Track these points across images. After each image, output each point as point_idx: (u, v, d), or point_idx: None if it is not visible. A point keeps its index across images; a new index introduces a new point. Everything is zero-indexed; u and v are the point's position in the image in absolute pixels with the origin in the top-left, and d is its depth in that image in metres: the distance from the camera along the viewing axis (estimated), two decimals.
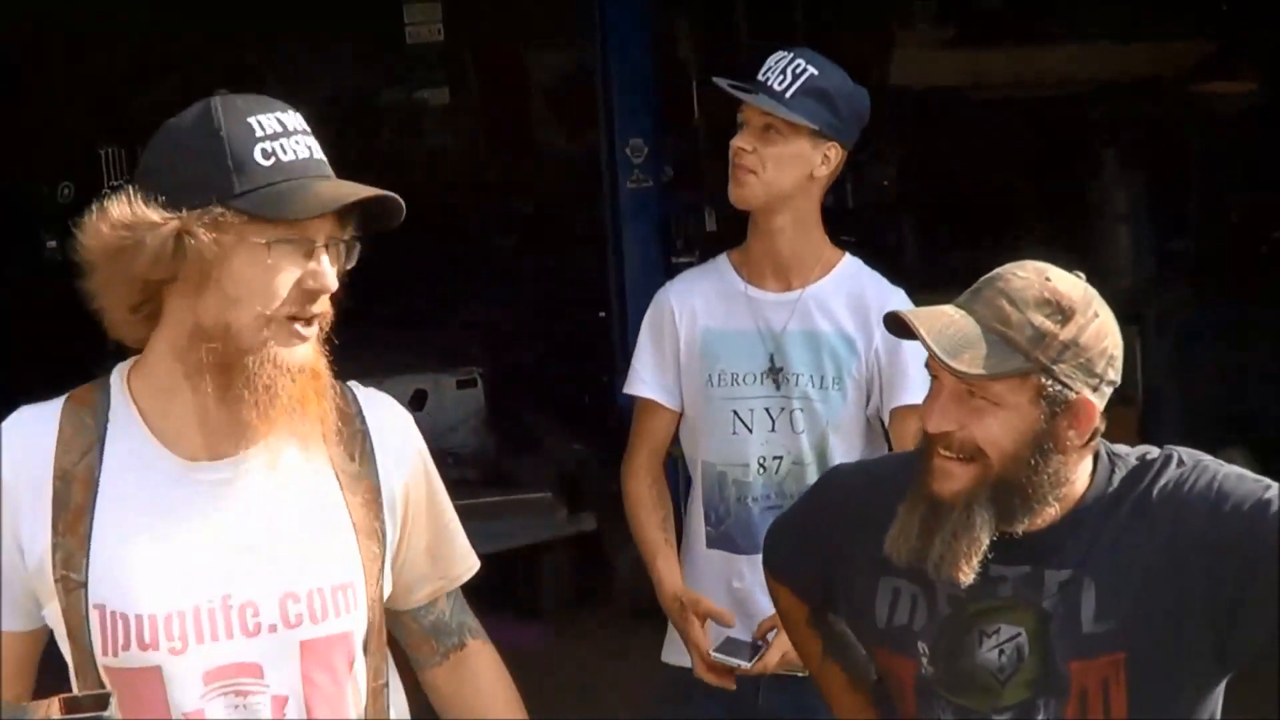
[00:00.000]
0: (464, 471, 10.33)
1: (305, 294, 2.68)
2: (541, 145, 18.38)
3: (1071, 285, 3.10)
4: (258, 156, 2.60)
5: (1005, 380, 2.98)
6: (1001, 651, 3.07)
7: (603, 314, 11.51)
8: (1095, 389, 3.04)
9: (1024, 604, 3.08)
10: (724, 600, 4.51)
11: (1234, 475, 3.09)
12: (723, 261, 4.60)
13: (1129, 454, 3.17)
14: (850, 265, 4.54)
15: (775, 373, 4.36)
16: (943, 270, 13.46)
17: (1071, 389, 2.99)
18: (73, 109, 16.30)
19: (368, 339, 11.22)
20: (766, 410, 4.39)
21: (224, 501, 2.69)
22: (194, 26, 17.00)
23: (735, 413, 4.41)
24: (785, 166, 4.35)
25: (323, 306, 2.74)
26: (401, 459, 3.03)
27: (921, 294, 11.45)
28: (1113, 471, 3.12)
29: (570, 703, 8.34)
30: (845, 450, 4.40)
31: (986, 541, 3.00)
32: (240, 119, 2.61)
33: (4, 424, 2.62)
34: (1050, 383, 2.98)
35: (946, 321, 3.01)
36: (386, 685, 3.01)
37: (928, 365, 3.05)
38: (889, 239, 14.29)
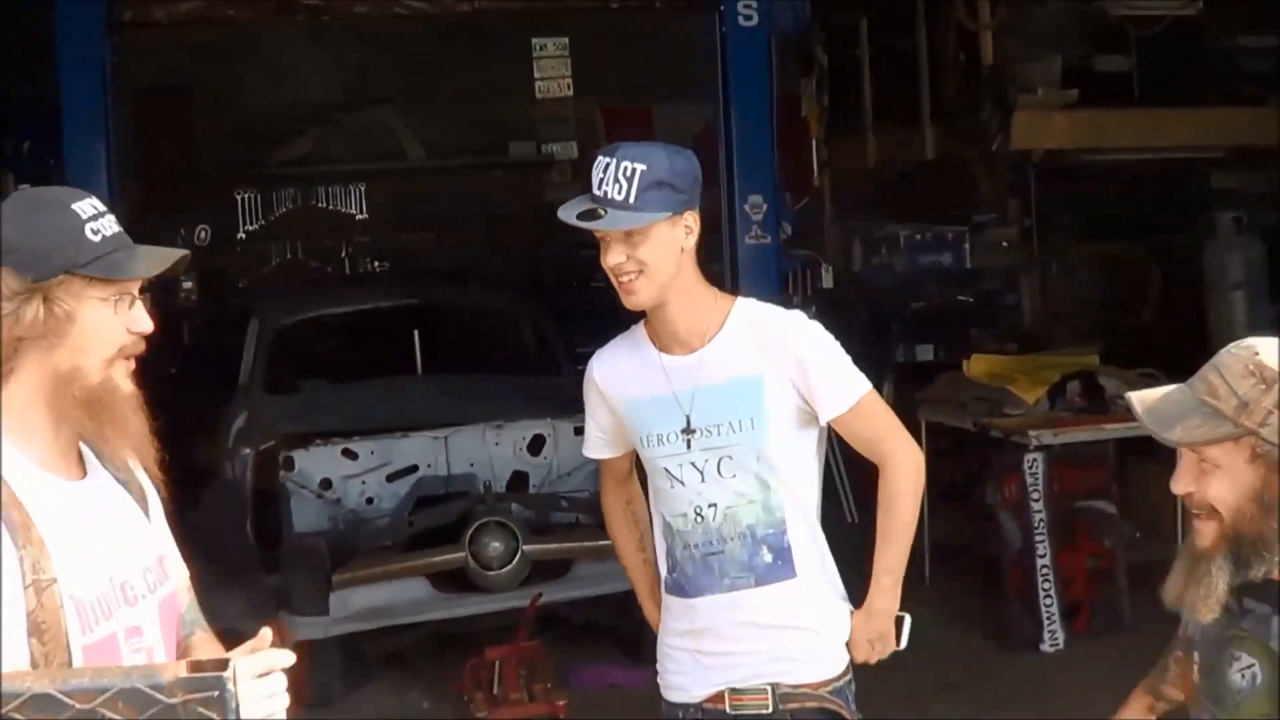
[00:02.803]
0: (578, 515, 10.51)
1: (133, 336, 3.21)
2: None
3: (1276, 355, 3.37)
4: (89, 234, 3.14)
5: (1220, 445, 3.34)
6: (1243, 676, 3.45)
7: None
8: None
9: (1256, 640, 3.44)
10: (682, 641, 4.74)
11: None
12: (639, 332, 4.75)
13: None
14: (742, 308, 4.67)
15: (691, 431, 4.55)
16: (1060, 329, 13.58)
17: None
18: (211, 155, 16.70)
19: (485, 385, 11.50)
20: (693, 464, 4.57)
21: (96, 506, 3.21)
22: (329, 80, 17.42)
23: (667, 469, 4.60)
24: (661, 257, 4.45)
25: (140, 346, 3.24)
26: None
27: (1038, 354, 11.51)
28: None
29: None
30: (788, 480, 4.59)
31: (1223, 587, 3.40)
32: (64, 206, 3.17)
33: None
34: (1260, 444, 3.30)
35: (1164, 398, 3.42)
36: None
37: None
38: (1008, 299, 14.39)
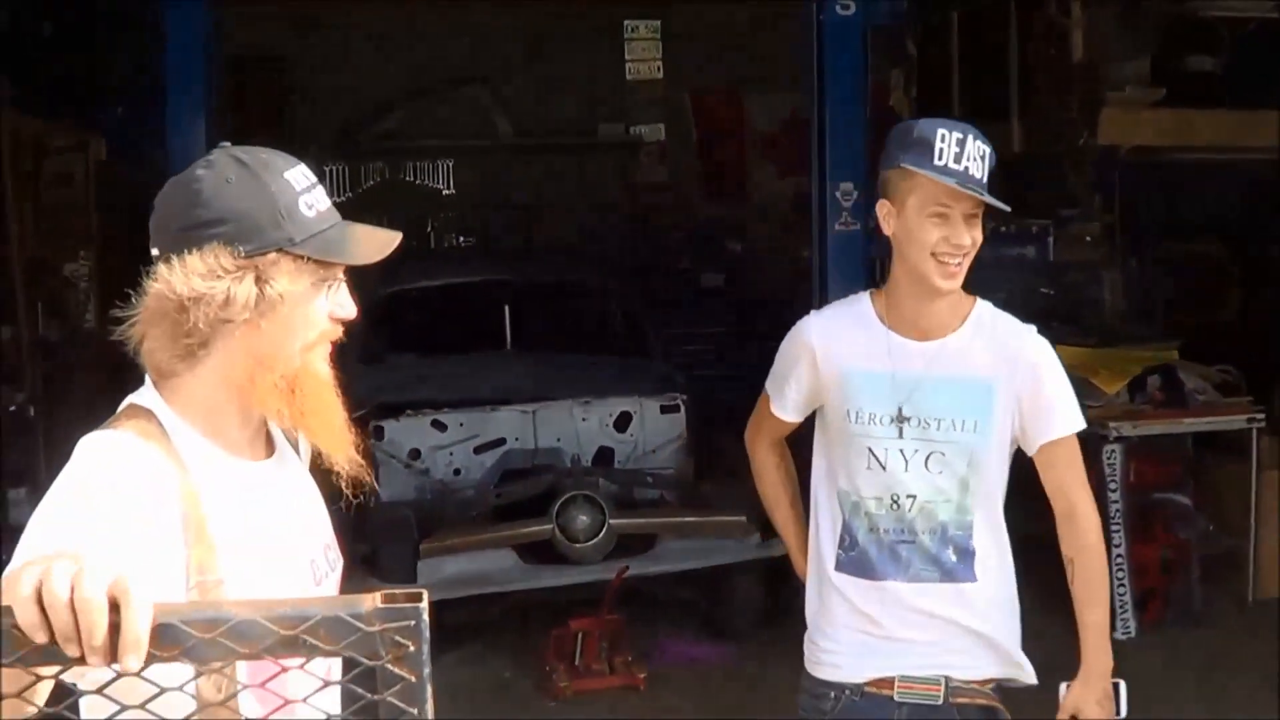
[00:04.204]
0: (662, 491, 10.67)
1: (335, 322, 2.98)
2: (754, 185, 18.71)
3: None
4: (303, 208, 2.88)
5: None
6: None
7: None
8: None
9: None
10: (851, 620, 4.64)
11: None
12: (865, 304, 4.60)
13: None
14: (983, 310, 4.57)
15: (904, 420, 4.48)
16: (1141, 324, 13.63)
17: None
18: (303, 127, 16.90)
19: (574, 362, 11.64)
20: (901, 451, 4.49)
21: (284, 485, 3.07)
22: (421, 56, 17.60)
23: (870, 450, 4.51)
24: (979, 243, 4.40)
25: (340, 331, 3.02)
26: None
27: (1120, 347, 11.61)
28: None
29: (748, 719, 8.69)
30: (984, 487, 4.53)
31: None
32: (279, 174, 2.89)
33: (107, 445, 2.81)
34: None
35: None
36: None
37: None
38: (1090, 293, 14.42)
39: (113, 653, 1.92)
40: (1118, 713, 4.57)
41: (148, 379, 2.95)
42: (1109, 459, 10.14)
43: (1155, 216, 14.21)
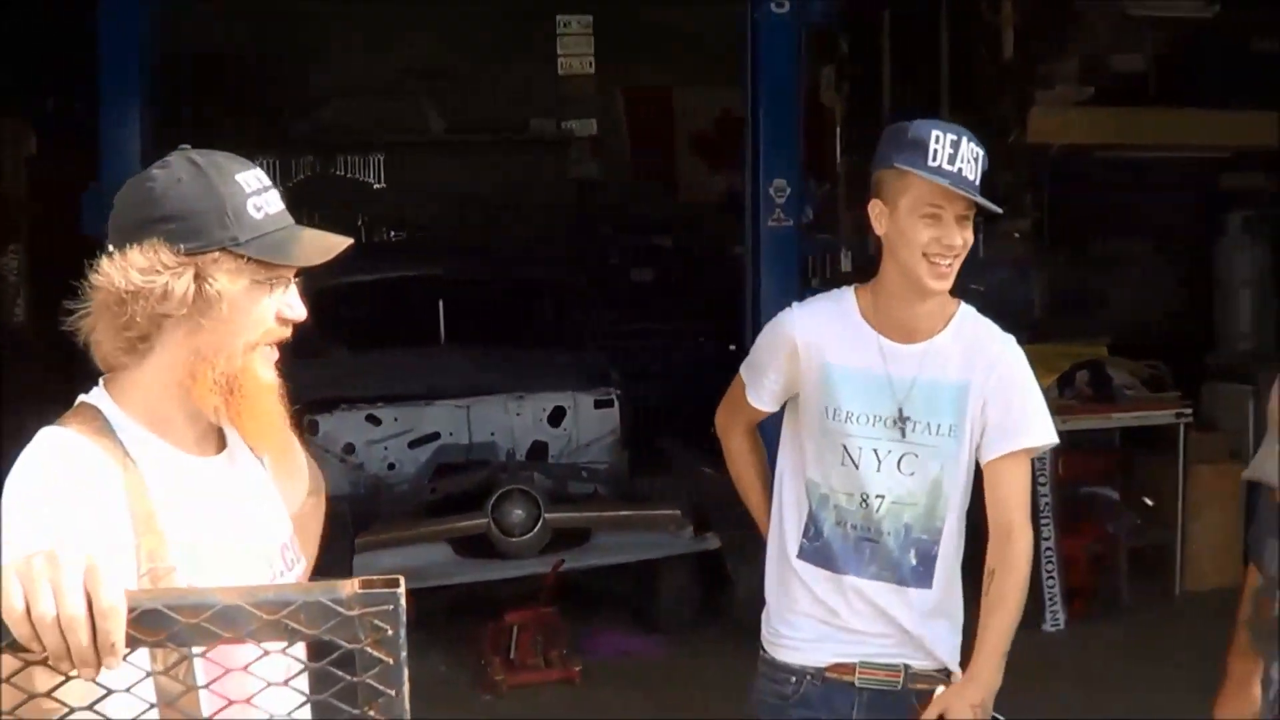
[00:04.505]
0: (596, 486, 10.73)
1: (282, 322, 3.00)
2: (686, 181, 18.79)
3: None
4: (251, 210, 2.91)
5: None
6: None
7: (733, 348, 11.86)
8: None
9: None
10: (812, 608, 4.66)
11: None
12: (849, 301, 4.61)
13: None
14: (966, 314, 4.57)
15: (901, 420, 4.51)
16: (1070, 321, 13.74)
17: None
18: (235, 120, 16.85)
19: (508, 357, 11.69)
20: (875, 451, 4.50)
21: (234, 481, 3.06)
22: (352, 50, 17.60)
23: (845, 447, 4.52)
24: (969, 245, 4.40)
25: (288, 332, 3.03)
26: None
27: (1048, 343, 11.72)
28: None
29: (683, 713, 8.69)
30: (954, 493, 4.54)
31: None
32: (229, 176, 2.93)
33: (54, 442, 2.85)
34: None
35: None
36: None
37: None
38: (1018, 291, 14.54)
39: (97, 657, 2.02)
40: None
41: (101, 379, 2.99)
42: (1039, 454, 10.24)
43: (1084, 214, 14.33)
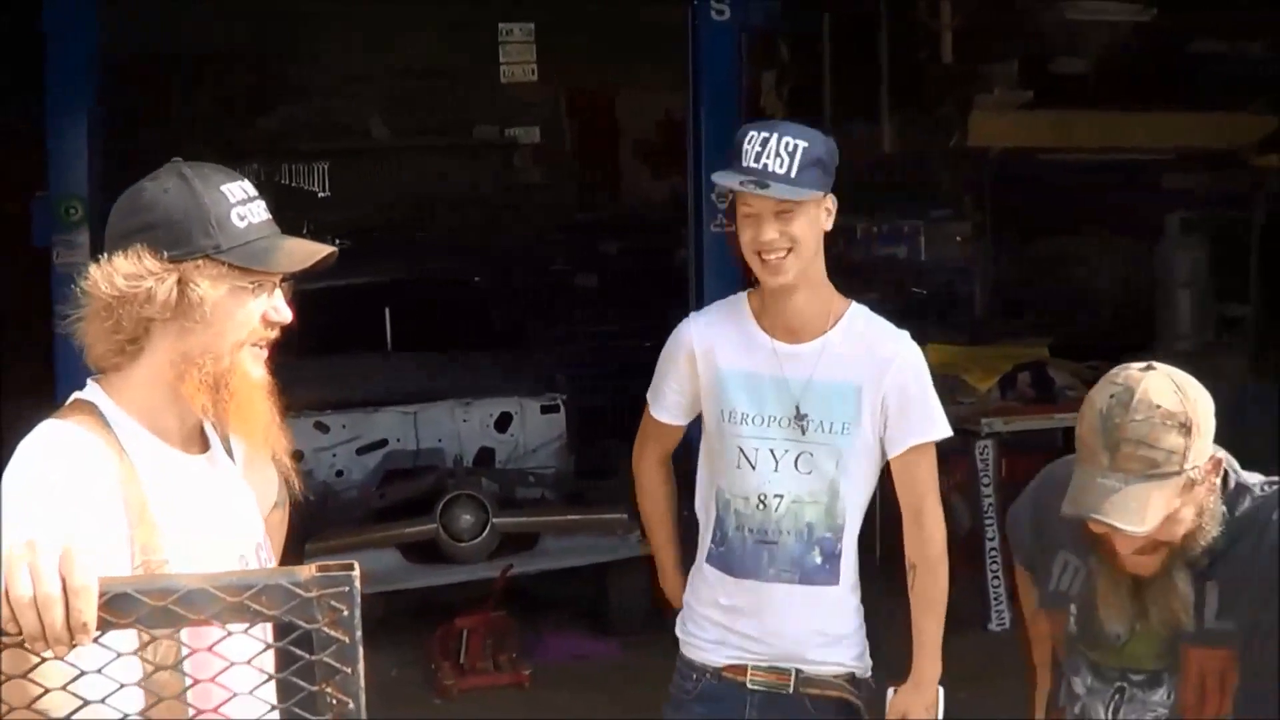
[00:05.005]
0: (544, 490, 10.78)
1: (268, 325, 3.13)
2: (629, 187, 18.85)
3: (1169, 393, 3.53)
4: (234, 219, 3.04)
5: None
6: (1129, 621, 3.67)
7: None
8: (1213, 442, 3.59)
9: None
10: (714, 613, 4.77)
11: None
12: (743, 304, 4.70)
13: (1257, 484, 3.69)
14: (857, 313, 4.67)
15: (799, 419, 4.58)
16: (1011, 324, 13.85)
17: (1206, 461, 3.55)
18: (180, 128, 16.83)
19: (457, 363, 11.73)
20: (771, 451, 4.58)
21: (217, 481, 3.19)
22: (297, 58, 17.62)
23: (741, 449, 4.60)
24: (809, 235, 4.47)
25: (276, 333, 3.17)
26: None
27: (990, 345, 11.78)
28: (1239, 496, 3.65)
29: (638, 713, 8.74)
30: (852, 491, 4.61)
31: (1186, 588, 3.60)
32: (215, 187, 3.06)
33: (54, 435, 2.98)
34: (1194, 470, 3.50)
35: (1123, 501, 3.47)
36: None
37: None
38: (960, 292, 14.64)
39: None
40: (938, 716, 4.69)
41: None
42: (981, 455, 10.35)
43: (1025, 216, 14.44)
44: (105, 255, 3.01)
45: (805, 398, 4.58)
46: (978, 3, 13.49)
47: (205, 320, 3.03)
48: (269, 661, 2.27)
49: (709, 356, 4.68)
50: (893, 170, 14.37)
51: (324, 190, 18.68)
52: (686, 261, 11.98)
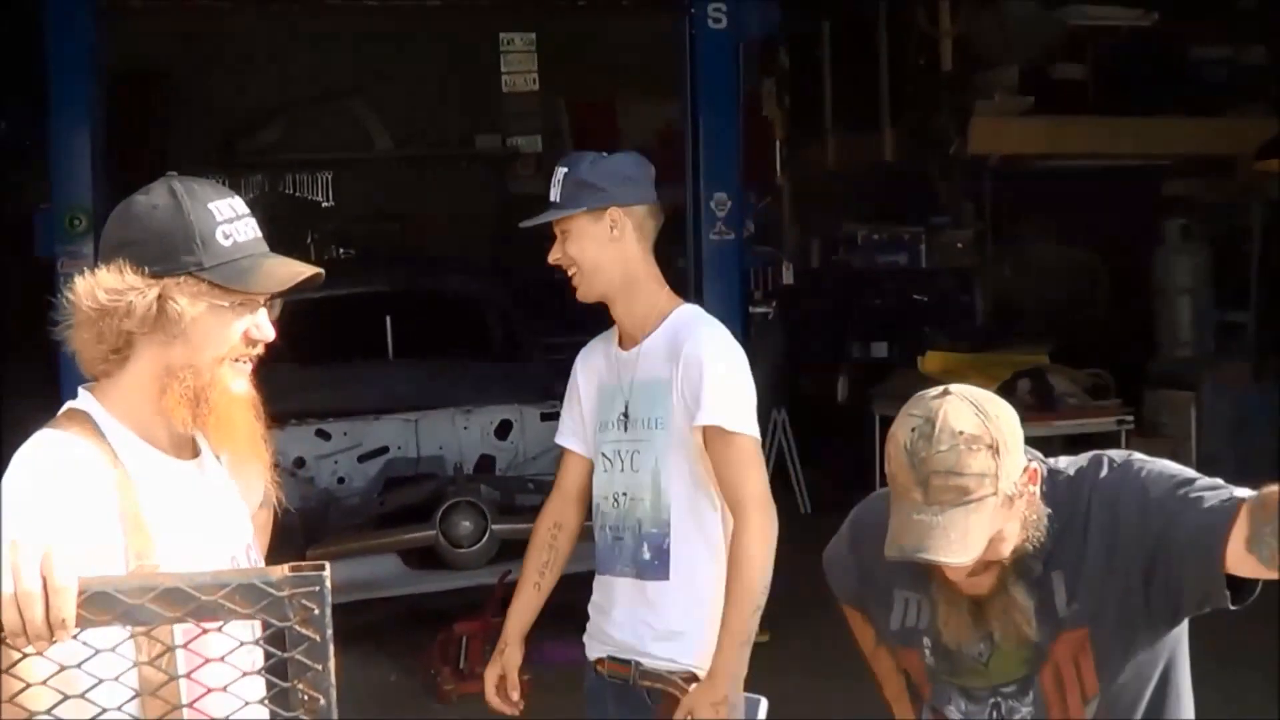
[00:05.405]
0: (543, 497, 10.79)
1: (250, 342, 3.14)
2: None
3: (969, 416, 3.47)
4: (219, 237, 3.07)
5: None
6: (979, 640, 3.65)
7: None
8: (1025, 453, 3.55)
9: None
10: (592, 610, 5.02)
11: (1157, 470, 3.59)
12: (613, 328, 4.92)
13: (1066, 466, 3.67)
14: (680, 314, 4.82)
15: (626, 418, 4.77)
16: (1012, 329, 13.88)
17: (1021, 475, 3.49)
18: (184, 140, 16.89)
19: (455, 371, 11.77)
20: (617, 453, 4.79)
21: (206, 486, 3.21)
22: (299, 69, 17.66)
23: (602, 453, 4.85)
24: (587, 252, 4.67)
25: (259, 350, 3.17)
26: None
27: (990, 352, 11.78)
28: (1055, 486, 3.61)
29: None
30: (675, 486, 4.72)
31: (1026, 601, 3.57)
32: (203, 204, 3.09)
33: (50, 443, 3.03)
34: (1010, 485, 3.44)
35: (944, 534, 3.41)
36: None
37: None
38: (961, 298, 14.66)
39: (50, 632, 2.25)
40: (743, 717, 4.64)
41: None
42: None
43: (1026, 223, 14.47)
44: (93, 267, 3.05)
45: (631, 398, 4.79)
46: (978, 9, 13.53)
47: (184, 336, 3.06)
48: (262, 659, 2.33)
49: (585, 376, 4.99)
50: (894, 178, 14.42)
51: (328, 200, 18.74)
52: (686, 270, 11.99)
